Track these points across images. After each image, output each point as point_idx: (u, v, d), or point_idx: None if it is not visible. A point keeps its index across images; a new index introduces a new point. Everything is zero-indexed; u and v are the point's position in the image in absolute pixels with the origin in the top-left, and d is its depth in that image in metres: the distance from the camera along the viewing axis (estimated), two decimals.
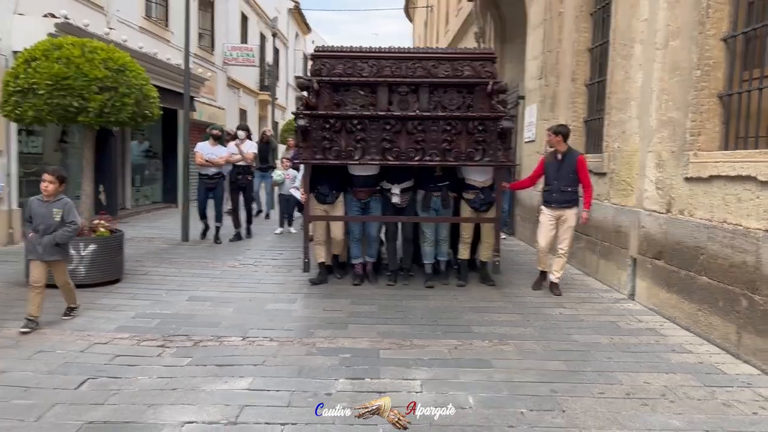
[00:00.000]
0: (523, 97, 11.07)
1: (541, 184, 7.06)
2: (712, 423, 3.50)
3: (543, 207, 6.78)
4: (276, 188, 11.22)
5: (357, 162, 6.49)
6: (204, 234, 9.92)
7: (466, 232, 7.04)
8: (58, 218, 5.03)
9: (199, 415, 3.44)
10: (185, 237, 9.72)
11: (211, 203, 9.80)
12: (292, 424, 3.37)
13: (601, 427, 3.41)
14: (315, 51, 7.00)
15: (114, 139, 12.07)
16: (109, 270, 6.56)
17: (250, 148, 10.06)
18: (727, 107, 5.18)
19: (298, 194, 9.07)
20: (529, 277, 7.22)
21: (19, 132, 9.40)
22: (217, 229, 9.67)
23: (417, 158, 6.48)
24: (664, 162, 5.86)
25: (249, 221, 10.38)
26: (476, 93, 6.58)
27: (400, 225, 7.18)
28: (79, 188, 7.10)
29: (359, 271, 7.04)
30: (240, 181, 10.04)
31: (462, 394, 3.82)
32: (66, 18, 9.37)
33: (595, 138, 8.02)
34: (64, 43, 6.45)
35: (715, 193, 5.00)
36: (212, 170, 9.54)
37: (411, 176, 6.90)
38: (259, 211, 13.22)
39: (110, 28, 11.51)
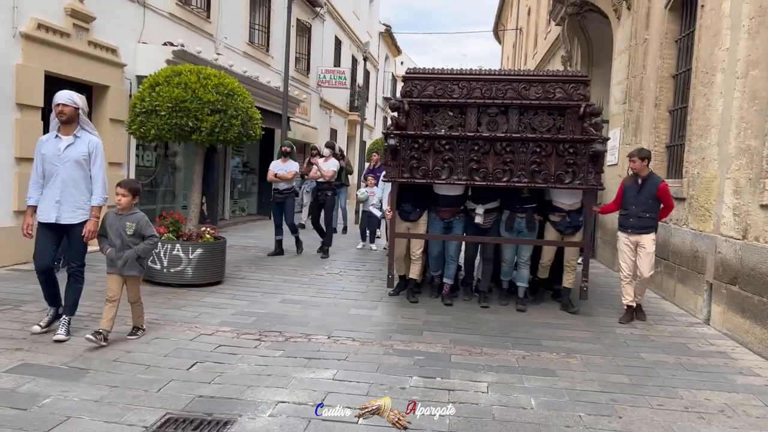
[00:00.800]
0: (607, 121, 11.15)
1: None
2: None
3: (619, 232, 6.71)
4: (361, 205, 11.56)
5: (444, 182, 6.57)
6: (278, 247, 10.02)
7: (547, 255, 7.04)
8: (131, 232, 4.91)
9: (290, 396, 3.97)
10: (279, 249, 10.48)
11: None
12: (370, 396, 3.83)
13: None
14: (406, 73, 7.11)
15: (217, 155, 13.14)
16: (213, 272, 7.33)
17: (332, 166, 10.33)
18: None
19: (378, 212, 9.50)
20: (609, 300, 7.42)
21: (136, 147, 10.51)
22: (297, 239, 10.14)
23: (504, 179, 6.51)
24: (742, 189, 5.94)
25: (326, 239, 10.31)
26: (567, 115, 6.56)
27: (480, 246, 7.22)
28: (185, 199, 7.95)
29: (437, 282, 7.24)
30: (320, 198, 10.38)
31: (524, 397, 4.16)
32: (182, 46, 10.45)
33: (676, 163, 8.08)
34: (182, 71, 7.33)
35: None
36: (282, 185, 9.85)
37: (496, 197, 6.94)
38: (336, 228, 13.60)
39: (218, 54, 12.61)
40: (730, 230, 6.11)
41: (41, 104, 7.92)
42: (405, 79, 6.97)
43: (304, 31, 18.85)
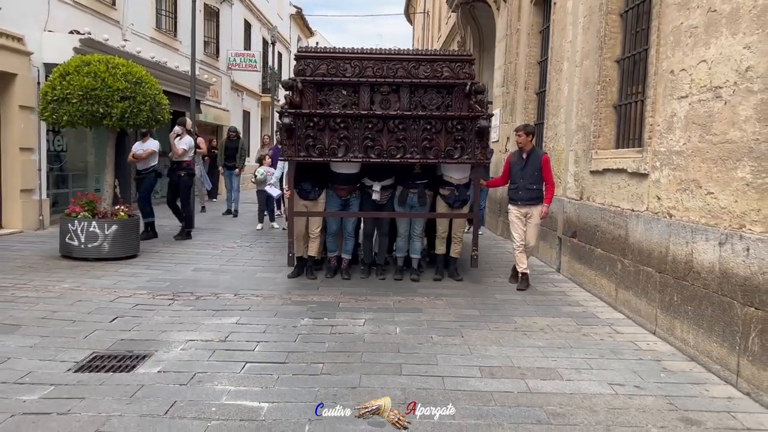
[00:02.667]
0: (491, 102, 12.39)
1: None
2: (564, 343, 4.87)
3: (510, 205, 6.97)
4: (256, 186, 11.26)
5: (340, 160, 6.66)
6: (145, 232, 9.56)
7: (442, 227, 7.22)
8: None
9: (199, 336, 4.83)
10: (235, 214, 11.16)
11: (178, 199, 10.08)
12: (264, 341, 4.75)
13: (485, 345, 4.77)
14: (299, 52, 7.19)
15: (128, 139, 13.49)
16: (128, 247, 7.97)
17: (184, 144, 9.88)
18: (620, 115, 6.53)
19: (274, 192, 9.88)
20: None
21: (47, 132, 10.81)
22: (147, 223, 9.68)
23: (398, 156, 6.63)
24: (579, 159, 7.21)
25: (186, 221, 10.07)
26: (455, 93, 6.75)
27: (376, 222, 7.40)
28: (98, 182, 8.48)
29: (333, 264, 7.32)
30: (173, 178, 10.04)
31: (392, 327, 5.20)
32: (89, 34, 10.79)
33: (540, 140, 9.36)
34: (92, 60, 7.85)
35: (606, 183, 6.35)
36: (140, 165, 9.64)
37: (392, 174, 7.08)
38: (228, 211, 13.58)
39: (125, 40, 12.92)
40: (572, 193, 7.40)
41: None
42: (297, 58, 7.05)
43: (212, 15, 19.16)
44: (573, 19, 7.66)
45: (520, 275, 6.89)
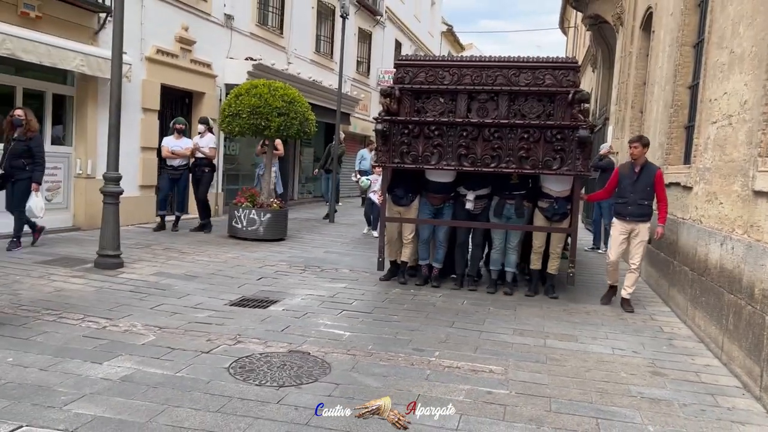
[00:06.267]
0: (608, 118, 13.13)
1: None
2: (598, 322, 5.92)
3: (615, 219, 6.70)
4: (371, 195, 11.07)
5: (433, 167, 6.72)
6: (161, 225, 10.18)
7: (539, 241, 6.99)
8: None
9: (315, 292, 6.56)
10: (332, 219, 13.18)
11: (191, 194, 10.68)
12: (360, 300, 6.36)
13: (529, 318, 5.98)
14: (398, 60, 7.25)
15: (288, 147, 15.95)
16: (278, 232, 10.06)
17: (209, 142, 10.35)
18: (688, 135, 7.30)
19: (376, 198, 10.09)
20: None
21: (224, 139, 13.42)
22: (177, 218, 10.38)
23: (493, 165, 6.58)
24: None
25: (204, 215, 10.53)
26: (557, 102, 6.58)
27: (471, 231, 7.32)
28: (259, 180, 10.68)
29: (425, 272, 7.31)
30: (196, 173, 10.34)
31: (461, 300, 6.56)
32: (260, 59, 13.25)
33: None
34: (258, 84, 10.04)
35: (671, 195, 7.14)
36: (177, 161, 10.08)
37: (487, 184, 7.02)
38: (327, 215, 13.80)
39: (289, 63, 15.40)
40: None
41: (158, 108, 10.90)
42: (397, 66, 7.12)
43: (366, 37, 21.43)
44: (662, 47, 8.46)
45: (608, 287, 6.81)
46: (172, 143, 10.13)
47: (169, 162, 10.15)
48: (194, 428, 3.27)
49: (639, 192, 6.44)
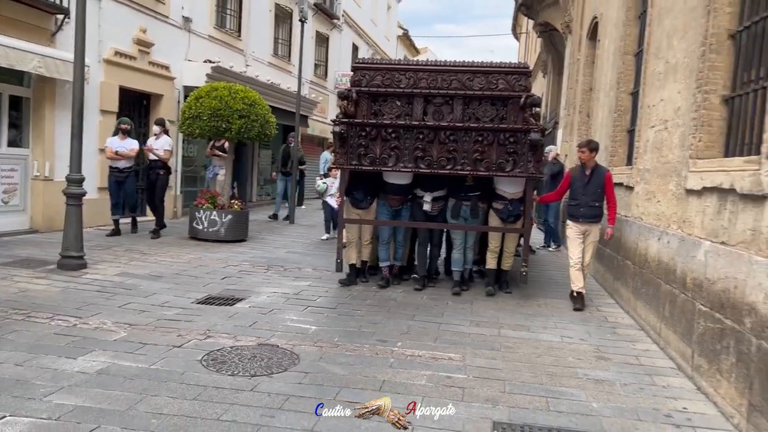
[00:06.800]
0: (558, 122, 13.70)
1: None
2: (548, 313, 6.31)
3: (569, 221, 6.91)
4: (328, 197, 10.76)
5: (390, 169, 6.82)
6: (116, 231, 9.79)
7: (494, 241, 7.22)
8: None
9: (280, 290, 6.76)
10: (292, 220, 13.35)
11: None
12: (324, 296, 6.59)
13: (485, 310, 6.32)
14: (355, 63, 7.38)
15: (246, 149, 16.02)
16: (239, 232, 10.18)
17: (164, 144, 10.08)
18: (630, 139, 7.80)
19: (333, 201, 9.93)
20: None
21: (182, 141, 13.42)
22: (134, 219, 10.17)
23: (448, 167, 6.69)
24: None
25: (159, 220, 10.25)
26: (510, 106, 6.79)
27: (429, 233, 7.47)
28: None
29: (386, 274, 7.41)
30: (151, 176, 10.12)
31: (421, 295, 6.87)
32: (218, 62, 13.32)
33: None
34: (218, 87, 10.15)
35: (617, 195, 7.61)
36: (122, 163, 9.56)
37: (444, 185, 7.20)
38: (275, 215, 14.00)
39: (247, 65, 15.49)
40: None
41: (116, 110, 10.88)
42: (354, 69, 7.25)
43: (323, 41, 21.62)
44: (607, 56, 8.97)
45: (575, 294, 6.75)
46: (117, 144, 9.60)
47: (113, 164, 9.61)
48: (173, 414, 3.46)
49: (590, 194, 6.66)
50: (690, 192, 4.84)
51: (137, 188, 10.11)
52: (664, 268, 5.31)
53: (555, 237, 11.26)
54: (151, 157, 10.08)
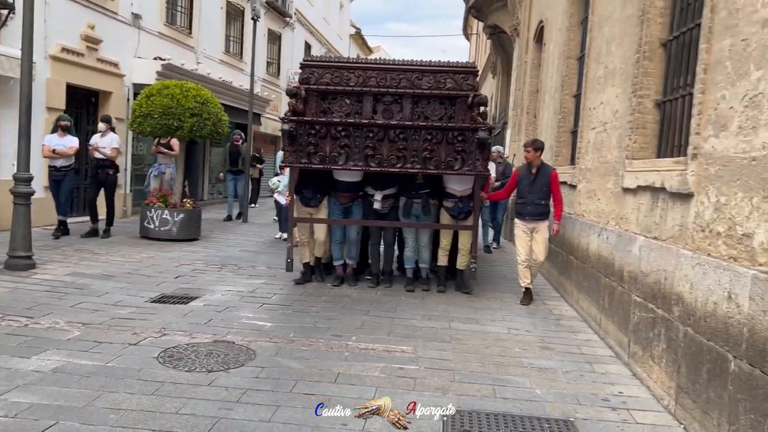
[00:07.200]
0: (507, 122, 14.10)
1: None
2: (497, 306, 6.57)
3: (516, 219, 7.03)
4: (276, 195, 10.59)
5: (340, 167, 6.83)
6: (58, 230, 9.52)
7: (445, 239, 7.30)
8: None
9: (235, 288, 6.82)
10: (245, 219, 13.33)
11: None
12: (279, 294, 6.69)
13: (437, 305, 6.54)
14: (303, 61, 7.32)
15: (197, 147, 15.87)
16: (192, 231, 10.14)
17: (111, 142, 9.73)
18: (574, 139, 8.15)
19: (282, 199, 9.80)
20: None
21: (132, 139, 13.22)
22: (60, 223, 9.56)
23: (398, 165, 6.74)
24: None
25: (110, 220, 10.05)
26: (458, 105, 6.85)
27: (382, 232, 7.47)
28: (172, 180, 10.70)
29: (339, 272, 7.47)
30: (99, 176, 9.77)
31: (374, 292, 7.03)
32: (169, 59, 13.17)
33: None
34: (170, 85, 10.09)
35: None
36: (59, 162, 9.21)
37: (394, 184, 7.19)
38: (228, 217, 13.68)
39: (199, 63, 15.34)
40: None
41: (63, 107, 10.65)
42: (303, 67, 7.18)
43: (275, 38, 21.56)
44: (552, 59, 9.33)
45: (523, 290, 6.96)
46: (55, 141, 9.22)
47: (51, 162, 9.23)
48: (132, 409, 3.52)
49: (536, 192, 6.75)
50: (626, 190, 5.14)
51: (75, 188, 9.60)
52: (603, 262, 5.63)
53: (497, 235, 11.43)
54: (98, 155, 9.73)
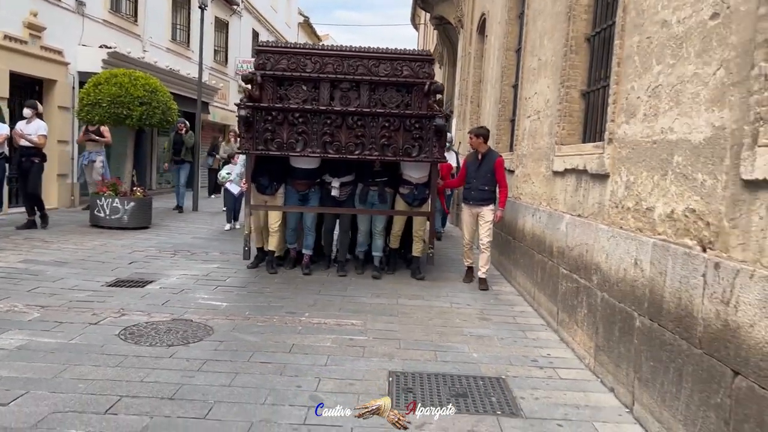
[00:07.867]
0: (452, 111, 14.57)
1: None
2: (442, 285, 7.00)
3: (462, 204, 7.32)
4: (228, 184, 9.93)
5: (298, 154, 6.75)
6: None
7: (398, 225, 7.51)
8: None
9: (189, 272, 7.03)
10: (195, 207, 13.40)
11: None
12: (233, 277, 6.93)
13: (386, 284, 6.91)
14: (259, 46, 7.26)
15: (145, 136, 15.77)
16: (143, 219, 10.21)
17: (38, 129, 9.30)
18: (512, 127, 8.63)
19: (234, 189, 9.62)
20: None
21: (79, 128, 13.09)
22: None
23: (357, 152, 6.70)
24: None
25: (40, 209, 9.57)
26: (414, 92, 6.94)
27: (338, 218, 7.60)
28: (118, 171, 10.70)
29: (293, 255, 7.56)
30: (24, 164, 9.23)
31: (326, 274, 7.36)
32: (115, 47, 13.07)
33: None
34: (118, 73, 10.10)
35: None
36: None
37: (352, 171, 7.20)
38: (178, 207, 13.32)
39: (145, 51, 15.22)
40: None
41: (7, 95, 10.52)
42: (258, 52, 7.16)
43: (223, 26, 21.45)
44: (493, 51, 9.79)
45: (466, 269, 7.35)
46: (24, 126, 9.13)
47: None
48: (98, 379, 3.76)
49: (481, 178, 6.90)
50: (556, 173, 5.62)
51: (6, 177, 9.28)
52: (537, 240, 6.11)
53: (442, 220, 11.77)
54: (22, 143, 9.17)
